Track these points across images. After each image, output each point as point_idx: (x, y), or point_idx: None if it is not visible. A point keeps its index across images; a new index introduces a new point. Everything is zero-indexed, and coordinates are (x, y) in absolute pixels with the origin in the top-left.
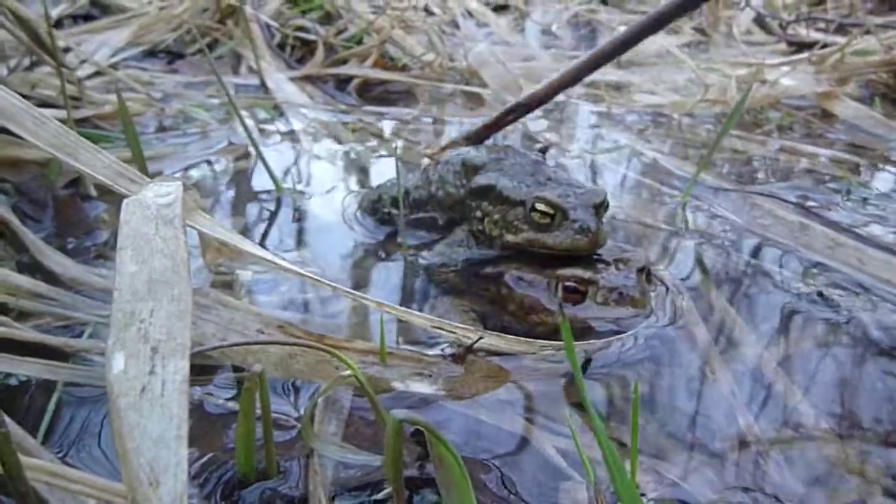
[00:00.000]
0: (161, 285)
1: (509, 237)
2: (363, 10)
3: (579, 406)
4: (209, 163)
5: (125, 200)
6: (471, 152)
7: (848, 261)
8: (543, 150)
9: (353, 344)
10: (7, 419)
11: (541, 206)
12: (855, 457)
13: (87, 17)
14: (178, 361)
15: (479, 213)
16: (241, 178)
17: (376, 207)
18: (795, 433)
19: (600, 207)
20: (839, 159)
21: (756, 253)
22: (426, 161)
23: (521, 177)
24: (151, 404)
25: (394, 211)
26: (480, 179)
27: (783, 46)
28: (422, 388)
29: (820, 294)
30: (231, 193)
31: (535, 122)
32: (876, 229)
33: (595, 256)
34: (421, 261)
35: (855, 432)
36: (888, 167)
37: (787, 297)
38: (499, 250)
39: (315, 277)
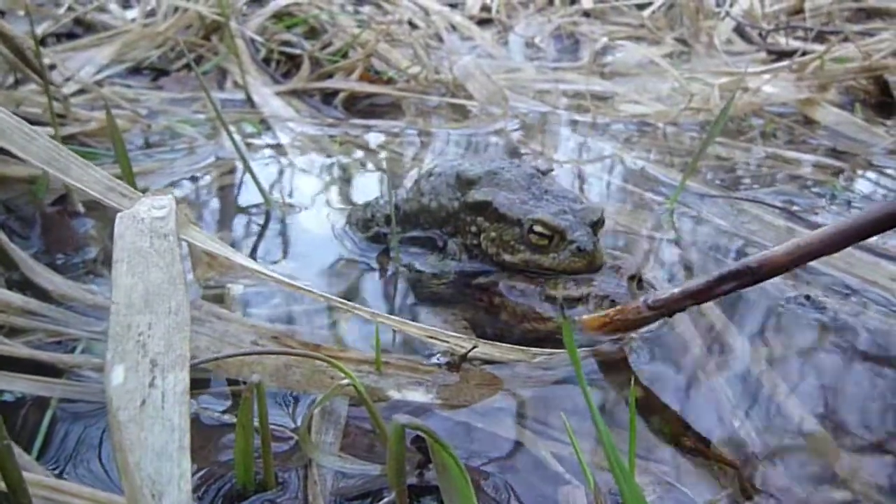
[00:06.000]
0: (158, 298)
1: (506, 256)
2: (348, 25)
3: (574, 412)
4: (196, 178)
5: (119, 214)
6: (465, 164)
7: (835, 263)
8: (544, 173)
9: (349, 354)
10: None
11: (538, 229)
12: (847, 457)
13: (70, 35)
14: (178, 373)
15: (473, 229)
16: (229, 193)
17: (368, 226)
18: (787, 434)
19: (597, 225)
20: (822, 164)
21: (744, 257)
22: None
23: (517, 191)
24: (152, 417)
25: (386, 230)
26: (476, 195)
27: (763, 55)
28: (418, 396)
29: (808, 297)
30: (220, 208)
31: (519, 133)
32: None
33: None
34: (412, 272)
35: (847, 433)
36: (870, 171)
37: (776, 301)
38: (492, 265)
39: (308, 289)
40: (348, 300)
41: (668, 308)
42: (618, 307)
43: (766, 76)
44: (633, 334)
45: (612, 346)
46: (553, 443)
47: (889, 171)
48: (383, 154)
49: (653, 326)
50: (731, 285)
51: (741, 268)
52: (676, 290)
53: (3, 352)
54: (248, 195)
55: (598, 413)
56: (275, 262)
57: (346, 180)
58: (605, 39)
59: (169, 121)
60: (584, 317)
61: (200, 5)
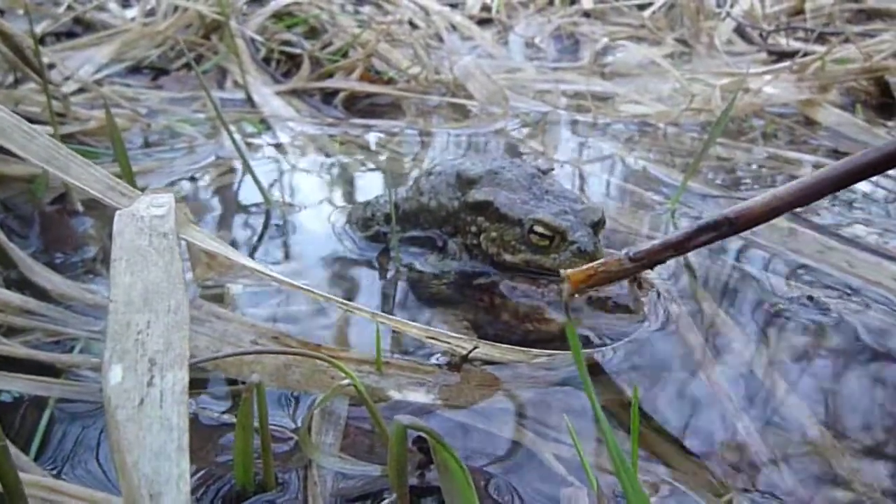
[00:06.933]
0: (157, 296)
1: (507, 256)
2: (348, 25)
3: (575, 413)
4: (196, 177)
5: (118, 212)
6: (465, 164)
7: (837, 264)
8: (545, 172)
9: (349, 354)
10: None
11: (539, 229)
12: (851, 458)
13: (70, 34)
14: (177, 372)
15: (474, 228)
16: (228, 192)
17: (368, 225)
18: (790, 436)
19: (598, 225)
20: (823, 165)
21: (746, 257)
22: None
23: (518, 191)
24: (151, 416)
25: (386, 229)
26: (477, 195)
27: (764, 56)
28: (418, 397)
29: (810, 297)
30: (219, 207)
31: (519, 132)
32: (862, 232)
33: None
34: (412, 272)
35: (850, 435)
36: None
37: (778, 301)
38: (492, 265)
39: (308, 289)
40: (348, 300)
41: (649, 260)
42: (601, 260)
43: (767, 77)
44: (634, 335)
45: (612, 350)
46: (554, 444)
47: (889, 172)
48: (383, 154)
49: (655, 325)
50: (709, 236)
51: (719, 219)
52: (656, 242)
53: (1, 351)
54: (248, 194)
55: (601, 413)
56: (274, 262)
57: (346, 180)
58: (605, 40)
59: (168, 120)
60: (569, 271)
61: (200, 4)
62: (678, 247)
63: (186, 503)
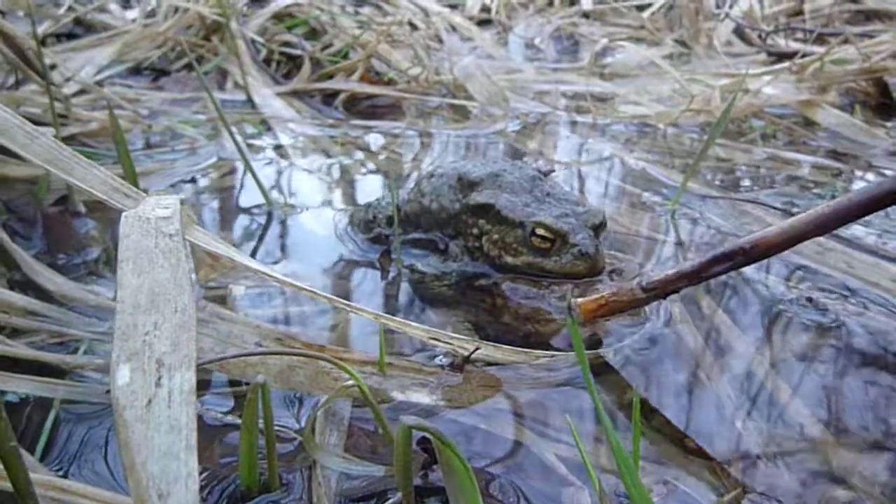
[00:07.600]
0: (163, 298)
1: (508, 259)
2: (348, 26)
3: (576, 413)
4: (197, 179)
5: (124, 214)
6: (467, 166)
7: (836, 265)
8: (545, 174)
9: (352, 355)
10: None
11: (540, 231)
12: (849, 458)
13: (71, 36)
14: (185, 373)
15: (475, 231)
16: (230, 194)
17: (369, 227)
18: (789, 435)
19: (599, 228)
20: (822, 166)
21: None
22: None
23: (520, 194)
24: (159, 416)
25: (388, 231)
26: (479, 197)
27: (763, 57)
28: (421, 398)
29: (809, 298)
30: (221, 209)
31: (519, 133)
32: (861, 233)
33: None
34: (414, 274)
35: (848, 434)
36: (869, 173)
37: (778, 302)
38: (493, 267)
39: (311, 290)
40: (351, 301)
41: (662, 289)
42: (612, 290)
43: (767, 78)
44: (635, 336)
45: (613, 350)
46: (556, 444)
47: (889, 173)
48: (384, 155)
49: (657, 326)
50: (723, 266)
51: (734, 248)
52: (670, 272)
53: (5, 352)
54: (250, 196)
55: (604, 413)
56: (276, 263)
57: (346, 181)
58: (604, 40)
59: (170, 121)
60: (580, 300)
61: (201, 6)
62: (692, 277)
63: (195, 501)
